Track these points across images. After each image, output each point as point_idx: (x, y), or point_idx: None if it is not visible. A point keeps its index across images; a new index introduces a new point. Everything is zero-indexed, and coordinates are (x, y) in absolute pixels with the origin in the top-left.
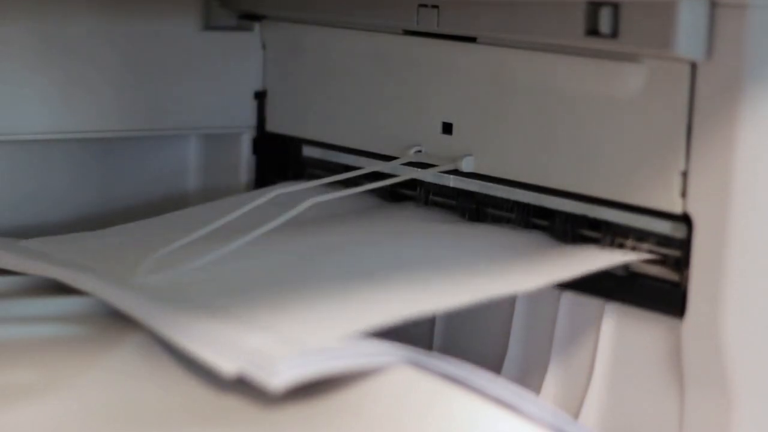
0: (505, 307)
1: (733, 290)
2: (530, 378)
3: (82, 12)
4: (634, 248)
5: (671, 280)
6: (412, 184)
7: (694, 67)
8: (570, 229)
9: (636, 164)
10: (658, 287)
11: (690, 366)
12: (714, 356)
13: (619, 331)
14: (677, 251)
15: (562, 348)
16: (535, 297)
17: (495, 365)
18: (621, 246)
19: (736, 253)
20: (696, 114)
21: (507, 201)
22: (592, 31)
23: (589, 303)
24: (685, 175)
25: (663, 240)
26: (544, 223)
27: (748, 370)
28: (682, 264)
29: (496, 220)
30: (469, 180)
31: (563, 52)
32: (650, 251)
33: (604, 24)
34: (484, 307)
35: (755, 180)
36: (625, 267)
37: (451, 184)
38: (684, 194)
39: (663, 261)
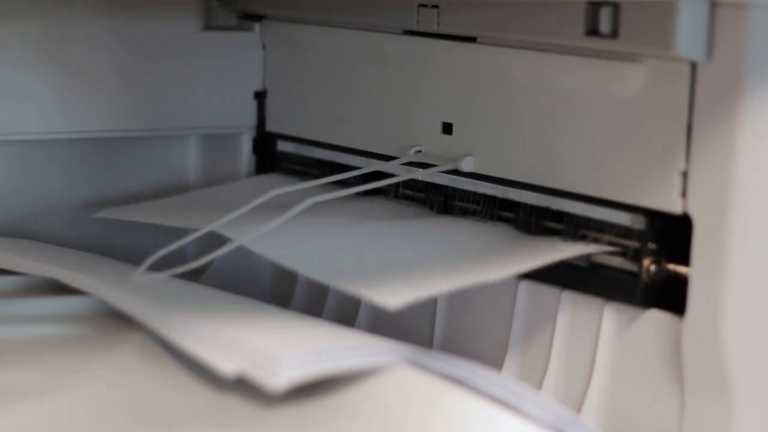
0: (505, 306)
1: (733, 290)
2: (530, 378)
3: (81, 12)
4: (634, 248)
5: (671, 280)
6: (411, 183)
7: (694, 67)
8: (574, 229)
9: (636, 164)
10: (658, 287)
11: (690, 366)
12: (714, 356)
13: (618, 331)
14: (677, 251)
15: (561, 348)
16: (535, 297)
17: (495, 365)
18: (620, 246)
19: (736, 253)
20: (696, 114)
21: (511, 202)
22: (592, 31)
23: (590, 303)
24: (685, 175)
25: (663, 240)
26: (559, 225)
27: (748, 370)
28: (681, 263)
29: (500, 220)
30: (470, 180)
31: (563, 52)
32: (651, 250)
33: (604, 24)
34: (483, 307)
35: (755, 180)
36: (625, 267)
37: (451, 184)
38: (684, 194)
39: (663, 261)
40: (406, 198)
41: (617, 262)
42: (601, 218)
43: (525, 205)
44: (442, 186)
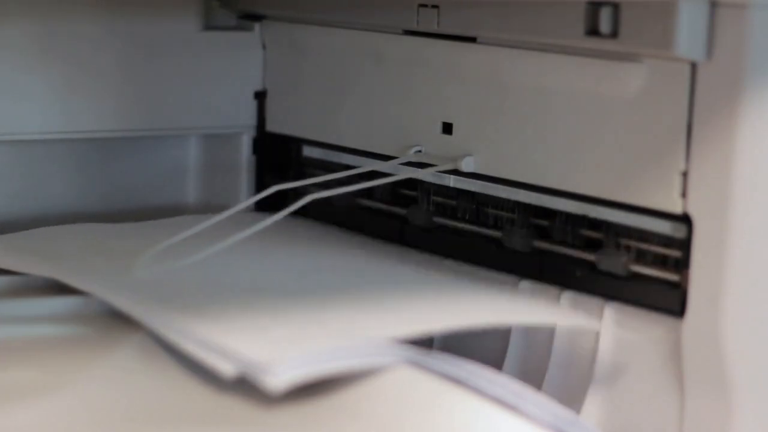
0: None
1: (733, 290)
2: (530, 378)
3: (81, 12)
4: (636, 248)
5: (671, 281)
6: (412, 184)
7: (694, 67)
8: (570, 229)
9: (636, 164)
10: (657, 287)
11: (690, 366)
12: (714, 356)
13: (619, 331)
14: (677, 251)
15: (562, 348)
16: (535, 297)
17: (495, 365)
18: (624, 247)
19: (736, 253)
20: (696, 114)
21: (507, 201)
22: (592, 31)
23: (589, 303)
24: (685, 175)
25: (663, 240)
26: (545, 223)
27: (748, 370)
28: (681, 264)
29: (497, 221)
30: (470, 180)
31: (563, 52)
32: (651, 252)
33: (604, 24)
34: None
35: (755, 180)
36: (626, 267)
37: (452, 184)
38: (684, 194)
39: (663, 261)
40: (438, 205)
41: (656, 271)
42: (641, 227)
43: (561, 213)
44: (474, 193)
